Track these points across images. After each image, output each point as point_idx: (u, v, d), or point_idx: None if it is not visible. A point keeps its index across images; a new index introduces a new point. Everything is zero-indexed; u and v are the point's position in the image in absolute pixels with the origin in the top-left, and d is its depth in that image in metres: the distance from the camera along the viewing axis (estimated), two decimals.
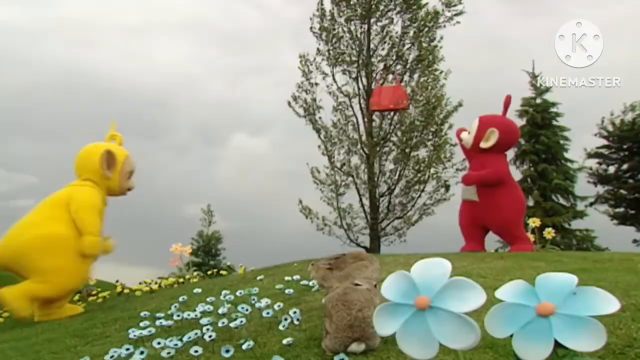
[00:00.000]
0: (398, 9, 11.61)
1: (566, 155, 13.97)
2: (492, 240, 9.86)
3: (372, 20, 11.66)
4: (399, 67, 11.65)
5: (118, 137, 4.28)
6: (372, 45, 11.69)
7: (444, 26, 11.45)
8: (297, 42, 20.69)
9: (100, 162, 3.89)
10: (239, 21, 22.92)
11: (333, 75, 11.61)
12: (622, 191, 14.22)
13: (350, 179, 11.35)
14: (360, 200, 11.36)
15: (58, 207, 3.78)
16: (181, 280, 5.61)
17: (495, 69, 19.73)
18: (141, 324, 2.23)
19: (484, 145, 4.69)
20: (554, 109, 14.00)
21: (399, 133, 11.29)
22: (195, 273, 5.97)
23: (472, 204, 4.79)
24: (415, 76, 11.49)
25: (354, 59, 11.56)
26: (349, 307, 1.64)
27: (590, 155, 14.57)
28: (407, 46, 11.59)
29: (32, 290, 3.60)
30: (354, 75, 11.59)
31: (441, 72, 11.39)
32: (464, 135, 4.97)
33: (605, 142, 14.52)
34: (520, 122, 13.74)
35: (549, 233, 5.31)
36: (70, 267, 3.68)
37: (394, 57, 11.55)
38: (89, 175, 3.95)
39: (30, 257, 3.61)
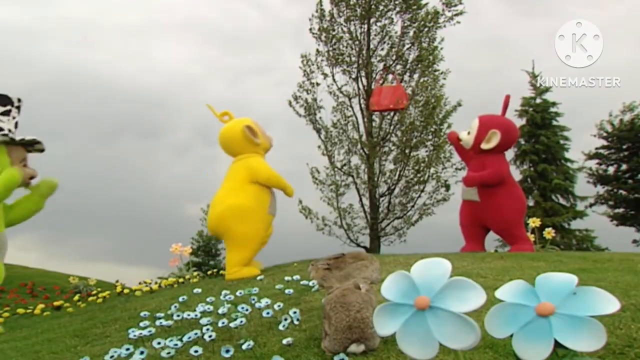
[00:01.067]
0: (398, 9, 11.58)
1: (566, 155, 13.95)
2: (492, 240, 9.88)
3: (372, 20, 11.63)
4: (399, 67, 11.64)
5: (229, 113, 4.81)
6: (372, 46, 11.67)
7: (444, 26, 11.43)
8: (297, 42, 20.69)
9: (248, 137, 4.50)
10: (239, 21, 22.92)
11: (333, 76, 11.60)
12: (622, 192, 14.21)
13: (350, 179, 11.33)
14: (360, 200, 11.34)
15: (236, 181, 4.42)
16: (181, 280, 5.60)
17: (495, 69, 19.75)
18: (141, 324, 2.23)
19: (485, 146, 4.69)
20: (553, 109, 13.98)
21: (399, 133, 11.27)
22: (195, 273, 5.96)
23: (472, 204, 4.79)
24: (415, 76, 11.48)
25: (353, 59, 11.55)
26: (347, 309, 1.64)
27: (590, 157, 14.56)
28: (407, 46, 11.57)
29: (235, 258, 4.27)
30: (354, 76, 11.57)
31: (441, 73, 11.39)
32: (463, 135, 4.96)
33: (604, 142, 14.52)
34: (520, 122, 13.75)
35: (549, 233, 5.31)
36: (254, 231, 4.29)
37: (394, 57, 11.54)
38: (246, 149, 4.56)
39: (224, 226, 4.29)
